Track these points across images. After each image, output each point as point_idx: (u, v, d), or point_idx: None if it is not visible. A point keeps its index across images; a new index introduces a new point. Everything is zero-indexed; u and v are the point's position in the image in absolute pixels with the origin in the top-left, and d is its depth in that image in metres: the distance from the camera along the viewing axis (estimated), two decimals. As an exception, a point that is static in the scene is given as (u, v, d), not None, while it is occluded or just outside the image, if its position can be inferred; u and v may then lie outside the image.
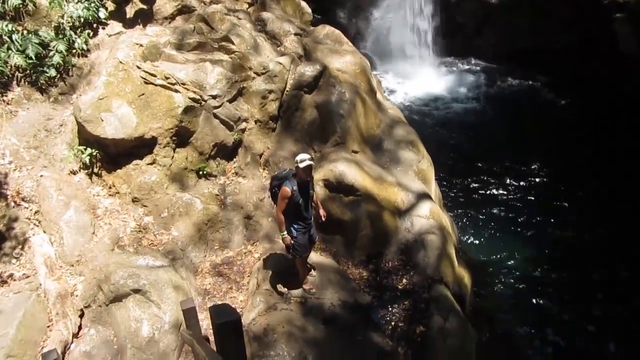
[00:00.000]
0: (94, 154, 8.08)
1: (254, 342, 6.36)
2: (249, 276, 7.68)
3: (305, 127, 9.21)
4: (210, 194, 8.32)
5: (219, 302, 7.25)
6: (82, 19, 9.07)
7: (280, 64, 9.34)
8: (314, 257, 7.76)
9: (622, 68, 14.17)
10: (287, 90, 9.36)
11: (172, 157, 8.35)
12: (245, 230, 8.26)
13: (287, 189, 6.19)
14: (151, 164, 8.22)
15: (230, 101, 8.97)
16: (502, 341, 8.01)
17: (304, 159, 6.16)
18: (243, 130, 9.00)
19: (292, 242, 6.51)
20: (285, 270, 7.31)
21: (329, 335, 6.73)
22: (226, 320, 3.02)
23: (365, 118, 9.40)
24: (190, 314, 5.07)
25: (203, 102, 8.63)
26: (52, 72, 8.62)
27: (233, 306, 7.22)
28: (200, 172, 8.47)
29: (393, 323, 7.19)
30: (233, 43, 9.26)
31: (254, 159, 8.98)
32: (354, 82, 9.62)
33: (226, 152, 8.84)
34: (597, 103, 14.30)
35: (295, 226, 6.49)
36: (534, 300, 9.24)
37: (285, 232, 6.46)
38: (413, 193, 8.71)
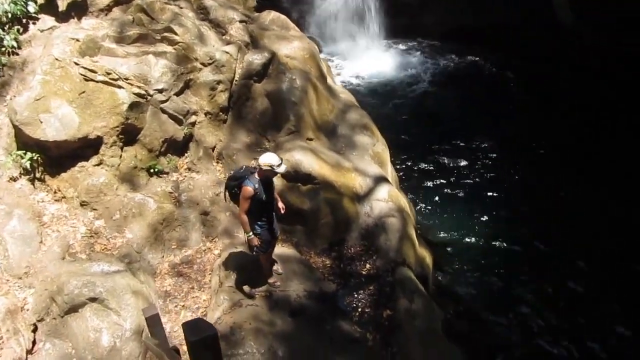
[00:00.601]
0: (35, 158, 7.60)
1: (221, 342, 6.15)
2: (210, 274, 7.47)
3: (257, 117, 9.00)
4: (164, 192, 8.02)
5: (181, 304, 7.05)
6: (9, 14, 8.49)
7: (227, 53, 9.07)
8: (276, 249, 7.63)
9: (561, 39, 14.64)
10: (236, 80, 9.11)
11: (120, 156, 7.98)
12: (203, 227, 8.03)
13: (250, 188, 5.90)
14: (98, 165, 7.83)
15: (178, 94, 8.65)
16: (467, 317, 8.15)
17: (277, 163, 5.90)
18: (193, 124, 8.71)
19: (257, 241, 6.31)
20: (247, 266, 7.15)
21: (297, 327, 6.65)
22: (201, 336, 2.85)
23: (317, 104, 9.28)
24: (153, 321, 4.85)
25: (149, 97, 8.28)
26: (-19, 73, 8.04)
27: (197, 306, 7.07)
28: (152, 170, 8.15)
29: (360, 309, 7.18)
30: (176, 33, 8.90)
31: (206, 152, 8.72)
32: (304, 68, 9.47)
33: (177, 147, 8.53)
34: (542, 76, 14.69)
35: (260, 223, 6.30)
36: (494, 275, 9.44)
37: (251, 233, 6.18)
38: (370, 177, 8.70)
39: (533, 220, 10.66)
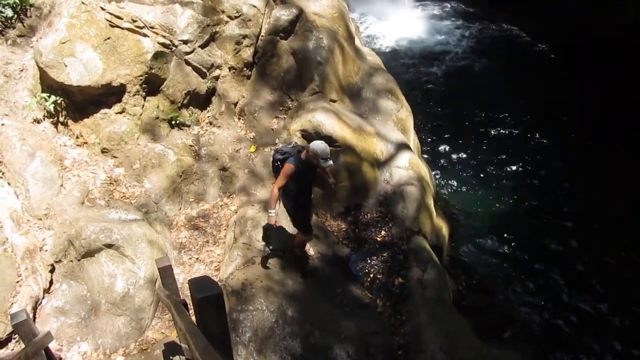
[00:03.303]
0: (59, 101, 7.62)
1: (232, 297, 6.27)
2: (225, 229, 7.52)
3: (281, 74, 8.85)
4: (184, 144, 8.02)
5: (195, 257, 7.13)
6: (38, -46, 8.35)
7: (255, 7, 8.86)
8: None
9: (600, 8, 13.96)
10: (262, 36, 8.93)
11: (143, 105, 7.96)
12: (221, 182, 8.04)
13: (292, 165, 5.66)
14: (120, 113, 7.82)
15: (203, 47, 8.52)
16: (479, 290, 8.12)
17: (325, 156, 5.56)
18: (217, 78, 8.61)
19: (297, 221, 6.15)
20: (262, 224, 7.17)
21: (308, 288, 6.69)
22: (207, 294, 2.85)
23: (343, 65, 9.08)
24: (166, 273, 4.90)
25: (173, 48, 8.18)
26: (9, 12, 7.96)
27: (210, 260, 7.14)
28: (173, 122, 8.13)
29: (372, 275, 7.18)
30: (204, -17, 8.70)
31: (228, 107, 8.65)
32: (332, 27, 9.23)
33: (199, 100, 8.48)
34: (577, 47, 14.14)
35: (293, 204, 6.17)
36: (510, 250, 9.35)
37: (273, 211, 5.77)
38: (392, 143, 8.57)
39: (557, 197, 10.46)
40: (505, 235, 9.58)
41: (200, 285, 2.97)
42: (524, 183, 10.75)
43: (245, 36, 8.73)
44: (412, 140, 9.55)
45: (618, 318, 8.39)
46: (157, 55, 7.89)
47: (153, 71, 7.89)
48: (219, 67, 8.58)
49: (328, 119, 8.01)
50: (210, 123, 8.47)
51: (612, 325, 8.31)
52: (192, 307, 3.59)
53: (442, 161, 11.21)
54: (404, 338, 6.35)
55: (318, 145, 5.63)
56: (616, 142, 11.50)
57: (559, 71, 13.89)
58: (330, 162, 5.69)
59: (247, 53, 8.77)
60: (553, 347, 7.92)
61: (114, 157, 7.65)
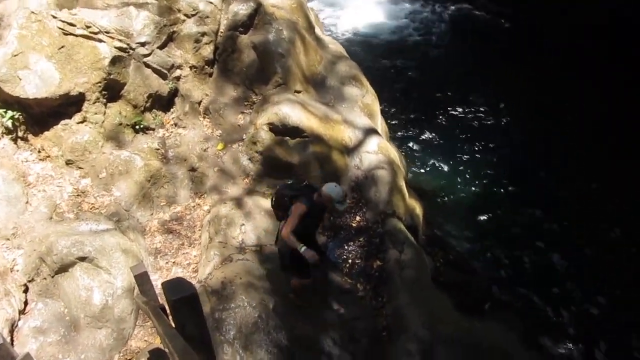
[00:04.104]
0: (17, 116, 7.40)
1: (212, 297, 6.25)
2: (200, 230, 7.47)
3: (244, 69, 8.78)
4: (150, 148, 7.90)
5: (172, 260, 7.08)
6: (-20, -34, 8.09)
7: (211, 3, 8.73)
8: (265, 203, 7.62)
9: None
10: (221, 32, 8.82)
11: (104, 113, 7.80)
12: (192, 183, 7.96)
13: (305, 207, 5.43)
14: (82, 122, 7.66)
15: (161, 48, 8.38)
16: (456, 266, 8.25)
17: (339, 199, 5.41)
18: (178, 78, 8.50)
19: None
20: (237, 221, 7.14)
21: (288, 280, 6.70)
22: (181, 296, 2.83)
23: (305, 56, 9.05)
24: (142, 279, 4.85)
25: (131, 51, 8.03)
26: (-45, 29, 7.73)
27: (187, 262, 7.10)
28: (137, 127, 8.00)
29: (350, 261, 7.24)
30: (156, -17, 8.54)
31: (192, 107, 8.55)
32: (291, 18, 9.17)
33: (162, 102, 8.35)
34: (540, 24, 14.34)
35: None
36: (484, 225, 9.54)
37: (303, 247, 5.36)
38: (360, 129, 8.60)
39: (525, 172, 10.67)
40: (478, 210, 9.76)
41: (174, 287, 2.95)
42: (492, 160, 10.96)
43: (204, 34, 8.61)
44: (380, 124, 9.60)
45: (592, 286, 8.66)
46: (114, 60, 7.74)
47: (112, 77, 7.74)
48: (179, 67, 8.46)
49: (294, 110, 7.99)
50: (175, 124, 8.36)
51: (587, 292, 8.57)
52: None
53: (411, 143, 11.32)
54: (386, 319, 6.43)
55: (332, 189, 5.45)
56: (581, 118, 11.77)
57: (525, 49, 14.08)
58: (346, 203, 5.52)
59: (207, 50, 8.67)
60: (532, 317, 8.14)
61: (79, 168, 7.51)
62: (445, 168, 10.67)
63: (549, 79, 12.89)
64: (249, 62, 8.75)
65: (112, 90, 7.82)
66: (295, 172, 7.90)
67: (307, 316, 6.22)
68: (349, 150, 8.33)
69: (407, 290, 6.62)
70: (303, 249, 5.35)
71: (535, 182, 10.45)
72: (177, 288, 2.90)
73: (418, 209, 8.67)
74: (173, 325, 3.25)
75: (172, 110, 8.46)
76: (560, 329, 8.08)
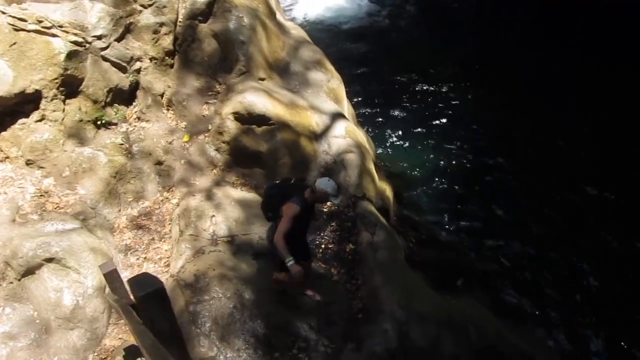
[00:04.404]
0: (-29, 118, 7.16)
1: (186, 290, 6.19)
2: (170, 224, 7.38)
3: (205, 59, 8.63)
4: (114, 144, 7.72)
5: (143, 256, 6.97)
6: None
7: (168, -8, 8.54)
8: (235, 193, 7.57)
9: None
10: (180, 22, 8.64)
11: (63, 110, 7.58)
12: (159, 177, 7.83)
13: (298, 207, 5.23)
14: (40, 120, 7.42)
15: (119, 40, 8.17)
16: (428, 244, 8.37)
17: (334, 193, 5.29)
18: (138, 71, 8.31)
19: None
20: (207, 213, 7.07)
21: (262, 268, 6.69)
22: (147, 291, 2.78)
23: (268, 42, 8.96)
24: (112, 277, 4.77)
25: (87, 45, 7.79)
26: None
27: (159, 257, 7.01)
28: (99, 122, 7.80)
29: (323, 245, 7.26)
30: (110, -27, 8.30)
31: (155, 100, 8.38)
32: (251, 5, 9.04)
33: (124, 96, 8.16)
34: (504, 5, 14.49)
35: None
36: (454, 202, 9.67)
37: (291, 259, 5.17)
38: (327, 114, 8.59)
39: (491, 146, 10.84)
40: (448, 187, 9.89)
41: (140, 283, 2.91)
42: (458, 138, 11.10)
43: (162, 24, 8.42)
44: (346, 108, 9.60)
45: (564, 258, 8.86)
46: (70, 55, 7.51)
47: (69, 72, 7.51)
48: (139, 59, 8.27)
49: (259, 98, 7.92)
50: (139, 118, 8.19)
51: (558, 264, 8.79)
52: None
53: (378, 125, 11.37)
54: (362, 301, 6.48)
55: (326, 183, 5.30)
56: (544, 91, 11.99)
57: (488, 33, 14.21)
58: (340, 196, 5.44)
59: (167, 41, 8.49)
60: (505, 291, 8.31)
61: (41, 167, 7.29)
62: (413, 148, 10.76)
63: (512, 58, 13.07)
64: (210, 51, 8.61)
65: (70, 86, 7.60)
66: (263, 161, 7.87)
67: (282, 303, 6.22)
68: (317, 136, 8.31)
69: (381, 272, 6.67)
70: (290, 262, 5.16)
71: (502, 155, 10.62)
72: (144, 284, 2.86)
73: (388, 191, 8.73)
74: (142, 321, 3.21)
75: (134, 104, 8.28)
76: (533, 301, 8.24)
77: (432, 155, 10.56)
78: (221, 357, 5.62)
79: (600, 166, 10.25)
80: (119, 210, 7.44)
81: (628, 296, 8.21)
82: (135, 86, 8.27)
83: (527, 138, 10.91)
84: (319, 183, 5.34)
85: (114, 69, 8.03)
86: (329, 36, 14.21)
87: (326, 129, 8.43)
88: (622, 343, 7.72)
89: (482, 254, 8.84)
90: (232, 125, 7.84)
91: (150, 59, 8.39)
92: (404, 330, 6.07)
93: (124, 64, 8.10)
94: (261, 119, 7.85)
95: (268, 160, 7.86)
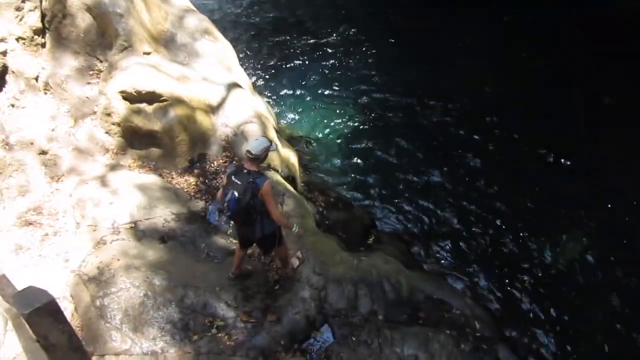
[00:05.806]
0: None
1: (90, 285, 5.82)
2: (64, 216, 6.84)
3: (81, 35, 7.93)
4: (-14, 137, 6.98)
5: (37, 254, 6.43)
6: None
7: (28, -37, 7.68)
8: (133, 176, 7.17)
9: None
10: (46, -4, 7.84)
11: None
12: (45, 167, 7.19)
13: (268, 181, 5.18)
14: None
15: (-25, 20, 7.28)
16: (337, 206, 8.45)
17: (270, 142, 5.29)
18: (4, 54, 7.46)
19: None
20: (103, 200, 6.65)
21: (171, 252, 6.45)
22: (36, 307, 2.49)
23: (149, 13, 8.41)
24: (1, 284, 4.34)
25: (-63, 28, 6.88)
26: None
27: (56, 253, 6.50)
28: (-35, 115, 6.99)
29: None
30: (-46, -56, 7.31)
31: (29, 84, 7.61)
32: (125, -27, 8.38)
33: (-9, 83, 7.34)
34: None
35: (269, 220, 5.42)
36: (358, 162, 9.80)
37: (295, 225, 5.64)
38: (221, 85, 8.32)
39: (394, 101, 11.01)
40: (351, 148, 10.01)
41: (26, 298, 2.59)
42: (358, 97, 11.21)
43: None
44: (241, 77, 9.33)
45: (475, 205, 9.03)
46: None
47: None
48: (2, 40, 7.43)
49: (146, 74, 7.46)
50: (13, 105, 7.41)
51: (469, 212, 8.97)
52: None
53: (276, 92, 11.21)
54: (277, 273, 6.46)
55: (259, 143, 5.19)
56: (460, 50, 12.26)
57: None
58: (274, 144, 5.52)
59: (34, 19, 7.68)
60: (416, 240, 8.58)
61: None
62: (312, 112, 10.73)
63: (402, 10, 13.27)
64: (85, 27, 7.93)
65: None
66: (159, 140, 7.49)
67: (195, 283, 6.05)
68: (214, 109, 8.03)
69: (294, 240, 6.65)
70: (295, 228, 5.61)
71: (403, 109, 10.85)
72: (30, 298, 2.54)
73: (293, 158, 8.68)
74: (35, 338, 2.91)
75: (4, 90, 7.46)
76: (445, 250, 8.39)
77: (332, 117, 10.60)
78: (136, 348, 5.37)
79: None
80: (4, 208, 6.78)
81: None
82: (3, 71, 7.45)
83: (425, 89, 11.16)
84: (255, 148, 5.15)
85: (-27, 53, 7.17)
86: (214, 2, 13.65)
87: (222, 101, 8.16)
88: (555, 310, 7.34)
89: (389, 212, 9.01)
90: (120, 105, 7.35)
91: (17, 39, 7.58)
92: (322, 296, 6.14)
93: (-15, 47, 7.26)
94: (151, 96, 7.41)
95: (164, 139, 7.49)
